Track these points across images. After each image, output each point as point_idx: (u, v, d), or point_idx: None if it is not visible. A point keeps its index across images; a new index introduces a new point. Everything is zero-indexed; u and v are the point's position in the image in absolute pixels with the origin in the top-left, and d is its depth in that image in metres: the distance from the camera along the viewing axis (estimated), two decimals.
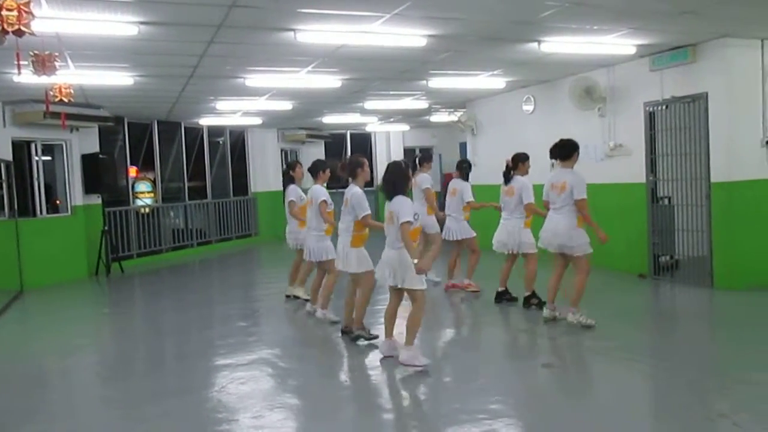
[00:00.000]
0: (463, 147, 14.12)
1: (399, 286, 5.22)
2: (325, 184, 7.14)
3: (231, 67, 7.97)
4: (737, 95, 7.50)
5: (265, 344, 6.29)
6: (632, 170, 8.61)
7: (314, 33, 6.20)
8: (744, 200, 7.54)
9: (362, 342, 6.00)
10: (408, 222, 5.03)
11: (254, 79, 8.67)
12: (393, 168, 5.42)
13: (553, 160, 6.50)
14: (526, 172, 7.13)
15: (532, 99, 10.75)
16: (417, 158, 9.10)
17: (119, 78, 8.06)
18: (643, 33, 6.99)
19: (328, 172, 7.18)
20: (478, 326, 7.14)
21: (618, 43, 7.40)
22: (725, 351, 5.63)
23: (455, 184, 8.22)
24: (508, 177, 7.15)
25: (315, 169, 7.20)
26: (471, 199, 8.03)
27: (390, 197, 5.27)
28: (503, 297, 7.39)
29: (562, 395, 4.78)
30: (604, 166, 9.00)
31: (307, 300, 7.62)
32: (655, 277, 8.40)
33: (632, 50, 7.72)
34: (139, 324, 8.01)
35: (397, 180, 5.27)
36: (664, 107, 8.20)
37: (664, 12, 6.16)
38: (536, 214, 6.90)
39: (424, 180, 8.54)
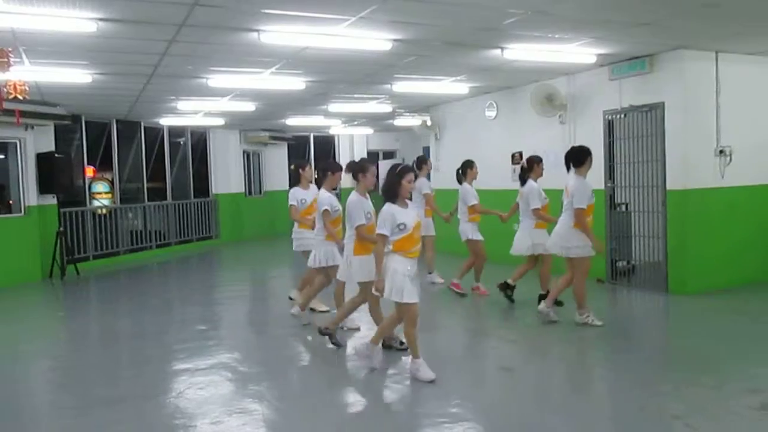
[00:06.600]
0: (426, 151, 14.20)
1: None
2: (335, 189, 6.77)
3: (193, 67, 7.85)
4: (692, 105, 7.71)
5: (225, 348, 6.21)
6: (591, 176, 8.72)
7: (278, 34, 6.15)
8: (697, 208, 7.75)
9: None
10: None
11: (217, 80, 8.56)
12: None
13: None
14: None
15: (495, 105, 10.87)
16: (414, 162, 9.06)
17: (77, 75, 7.86)
18: (602, 42, 7.14)
19: (339, 174, 6.65)
20: (445, 329, 7.17)
21: (579, 52, 7.54)
22: (679, 354, 5.77)
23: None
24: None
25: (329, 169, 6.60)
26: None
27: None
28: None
29: (522, 398, 4.83)
30: (565, 172, 9.12)
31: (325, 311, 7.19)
32: (613, 282, 8.56)
33: (592, 59, 7.88)
34: (95, 328, 7.81)
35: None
36: (622, 115, 8.38)
37: (622, 23, 6.31)
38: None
39: (423, 184, 8.70)
